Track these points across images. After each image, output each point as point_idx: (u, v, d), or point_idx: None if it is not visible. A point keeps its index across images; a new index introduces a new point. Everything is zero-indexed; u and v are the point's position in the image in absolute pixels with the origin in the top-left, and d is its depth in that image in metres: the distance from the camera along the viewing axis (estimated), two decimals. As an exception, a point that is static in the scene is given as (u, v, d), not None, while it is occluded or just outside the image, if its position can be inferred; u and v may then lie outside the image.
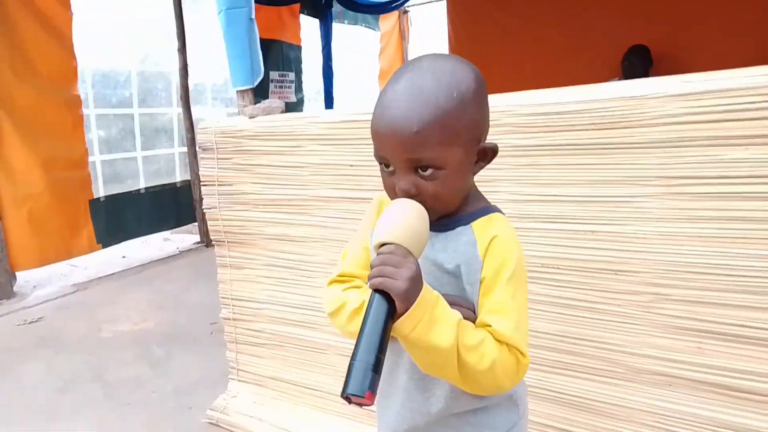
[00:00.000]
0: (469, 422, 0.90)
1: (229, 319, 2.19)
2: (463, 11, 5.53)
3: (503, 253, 0.82)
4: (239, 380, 2.24)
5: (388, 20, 7.38)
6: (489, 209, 0.89)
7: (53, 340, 3.12)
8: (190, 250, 4.99)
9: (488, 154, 0.86)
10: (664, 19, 4.42)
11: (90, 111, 5.00)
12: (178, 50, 4.77)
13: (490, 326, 0.79)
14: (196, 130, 2.08)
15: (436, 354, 0.75)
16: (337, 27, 6.62)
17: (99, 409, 2.36)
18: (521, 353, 0.79)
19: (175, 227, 5.48)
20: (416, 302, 0.72)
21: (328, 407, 2.00)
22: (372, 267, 0.74)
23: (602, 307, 1.42)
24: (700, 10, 4.34)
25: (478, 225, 0.86)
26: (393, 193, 0.83)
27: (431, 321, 0.74)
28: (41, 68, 4.00)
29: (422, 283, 0.74)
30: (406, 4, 6.74)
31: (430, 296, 0.75)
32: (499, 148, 1.36)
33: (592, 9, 4.75)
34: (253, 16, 2.05)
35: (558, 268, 1.46)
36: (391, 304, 0.71)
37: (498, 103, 1.44)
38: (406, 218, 0.76)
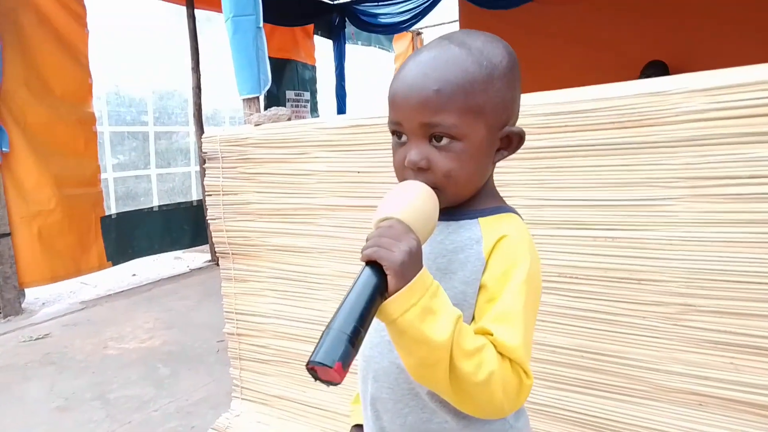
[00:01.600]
0: None
1: (233, 334, 2.12)
2: (475, 29, 5.50)
3: (513, 254, 0.72)
4: (243, 398, 2.15)
5: (402, 41, 7.41)
6: (503, 208, 0.80)
7: (58, 357, 3.07)
8: (200, 268, 4.95)
9: (513, 141, 0.77)
10: (681, 34, 4.36)
11: (104, 128, 5.04)
12: (192, 69, 4.81)
13: (492, 335, 0.67)
14: (201, 139, 2.04)
15: (427, 349, 0.63)
16: (351, 48, 6.66)
17: (99, 428, 2.28)
18: (525, 372, 0.68)
19: (190, 247, 5.44)
20: (412, 282, 0.62)
21: (335, 428, 1.90)
22: (367, 240, 0.65)
23: (624, 319, 1.32)
24: (716, 24, 4.28)
25: (487, 222, 0.76)
26: (401, 169, 0.75)
27: (427, 310, 0.63)
28: (55, 86, 4.04)
29: (420, 265, 0.64)
30: (419, 26, 6.75)
31: (429, 282, 0.64)
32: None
33: (608, 25, 4.71)
34: (261, 25, 2.02)
35: (576, 278, 1.36)
36: (383, 280, 0.62)
37: (511, 102, 1.37)
38: (412, 197, 0.68)
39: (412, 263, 0.62)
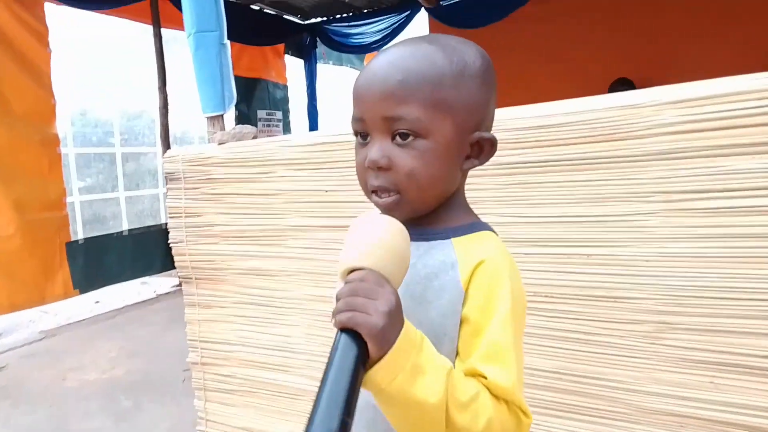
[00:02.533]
0: None
1: (197, 363, 2.01)
2: (447, 49, 5.55)
3: (495, 282, 0.66)
4: (208, 431, 2.04)
5: (374, 61, 7.42)
6: (477, 225, 0.74)
7: (14, 391, 2.90)
8: (168, 293, 4.80)
9: (484, 148, 0.72)
10: (647, 51, 4.45)
11: (69, 150, 4.88)
12: (159, 89, 4.71)
13: (485, 378, 0.62)
14: (163, 159, 1.95)
15: (421, 412, 0.57)
16: (322, 67, 6.65)
17: (54, 467, 2.14)
18: (523, 412, 0.63)
19: (162, 271, 5.25)
20: (396, 345, 0.55)
21: (305, 460, 1.80)
22: (337, 299, 0.57)
23: (602, 339, 1.27)
24: (682, 42, 4.39)
25: (461, 243, 0.70)
26: (362, 171, 0.70)
27: (416, 370, 0.56)
28: (16, 106, 3.89)
29: (403, 320, 0.58)
30: (390, 46, 6.78)
31: (413, 338, 0.58)
32: (485, 167, 1.24)
33: (575, 43, 4.78)
34: (225, 41, 1.96)
35: (551, 297, 1.32)
36: (362, 348, 0.55)
37: (480, 117, 1.34)
38: (381, 236, 0.60)
39: (394, 324, 0.56)
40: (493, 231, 0.75)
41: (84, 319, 4.20)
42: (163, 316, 4.10)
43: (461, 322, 0.66)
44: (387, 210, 0.69)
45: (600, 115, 1.20)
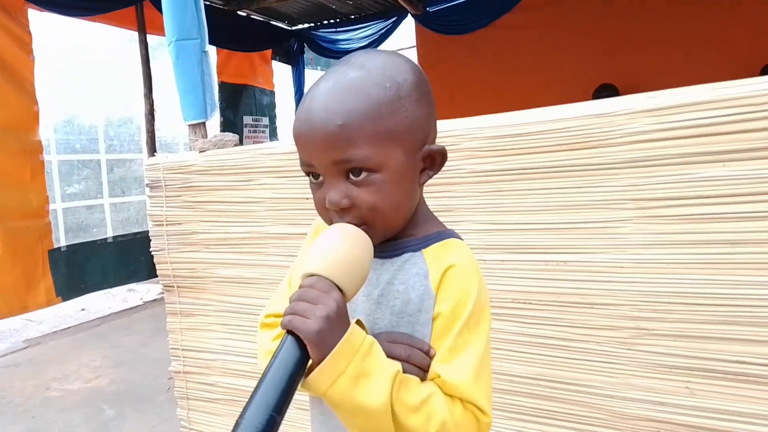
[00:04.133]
0: None
1: (179, 372, 2.00)
2: (432, 55, 5.58)
3: (461, 286, 0.68)
4: (191, 441, 2.02)
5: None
6: (444, 234, 0.75)
7: (-6, 402, 2.86)
8: (154, 300, 4.76)
9: (436, 159, 0.72)
10: (630, 57, 4.50)
11: (52, 157, 4.85)
12: (144, 95, 4.69)
13: (439, 376, 0.63)
14: (144, 167, 1.95)
15: (365, 416, 0.58)
16: (310, 73, 6.65)
17: (34, 479, 2.12)
18: (481, 410, 0.63)
19: (148, 279, 5.21)
20: (335, 349, 0.57)
21: (288, 469, 1.79)
22: (290, 302, 0.59)
23: (579, 345, 1.28)
24: (664, 48, 4.44)
25: (431, 252, 0.72)
26: (324, 210, 0.70)
27: (358, 374, 0.58)
28: (-3, 113, 3.85)
29: (346, 325, 0.59)
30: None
31: (358, 343, 0.59)
32: (461, 175, 1.25)
33: (560, 49, 4.83)
34: (207, 49, 1.96)
35: (529, 303, 1.33)
36: (304, 351, 0.57)
37: (456, 126, 1.35)
38: (337, 246, 0.62)
39: (332, 328, 0.57)
40: (459, 237, 0.76)
41: (69, 327, 4.16)
42: (149, 324, 4.07)
43: (432, 321, 0.68)
44: None
45: (574, 124, 1.22)
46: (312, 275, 0.60)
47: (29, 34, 4.08)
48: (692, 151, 1.12)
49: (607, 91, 4.25)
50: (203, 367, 1.94)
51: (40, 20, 4.20)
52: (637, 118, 1.16)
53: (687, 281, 1.15)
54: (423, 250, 0.72)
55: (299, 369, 0.56)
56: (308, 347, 0.57)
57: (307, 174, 0.70)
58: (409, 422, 0.59)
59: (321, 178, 0.68)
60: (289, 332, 0.57)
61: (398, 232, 0.73)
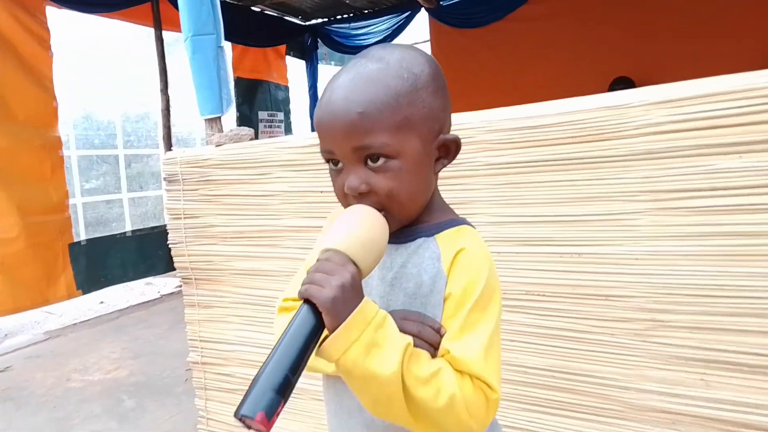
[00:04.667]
0: None
1: (197, 363, 2.03)
2: (446, 48, 5.56)
3: (472, 268, 0.70)
4: (209, 430, 2.06)
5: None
6: (456, 221, 0.78)
7: (17, 392, 2.93)
8: (171, 294, 4.83)
9: (451, 148, 0.75)
10: (647, 50, 4.45)
11: (72, 153, 4.92)
12: (161, 91, 4.73)
13: (449, 352, 0.65)
14: (162, 161, 1.98)
15: (377, 385, 0.60)
16: (323, 67, 6.67)
17: (57, 466, 2.17)
18: (489, 386, 0.65)
19: (166, 272, 5.28)
20: (350, 318, 0.59)
21: (304, 458, 1.82)
22: (307, 274, 0.62)
23: (594, 337, 1.28)
24: (682, 40, 4.38)
25: (444, 237, 0.74)
26: (343, 196, 0.72)
27: (371, 344, 0.60)
28: (18, 110, 3.92)
29: (359, 297, 0.61)
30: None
31: (371, 315, 0.61)
32: (476, 167, 1.26)
33: (575, 42, 4.79)
34: (222, 44, 1.98)
35: (543, 295, 1.33)
36: (320, 319, 0.59)
37: (472, 119, 1.35)
38: (354, 224, 0.65)
39: (347, 298, 0.60)
40: (471, 225, 0.78)
41: (89, 320, 4.23)
42: (166, 317, 4.13)
43: (444, 302, 0.70)
44: None
45: (589, 116, 1.22)
46: (329, 250, 0.63)
47: (47, 30, 4.15)
48: (707, 143, 1.11)
49: (622, 84, 4.20)
50: (221, 358, 1.97)
51: (58, 17, 4.26)
52: (652, 109, 1.15)
53: (703, 273, 1.15)
54: (436, 236, 0.75)
55: (314, 335, 0.59)
56: (323, 315, 0.59)
57: (327, 161, 0.73)
58: (419, 394, 0.61)
59: (340, 165, 0.71)
60: (306, 301, 0.60)
61: (413, 220, 0.75)
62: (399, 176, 0.68)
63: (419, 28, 5.95)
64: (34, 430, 2.49)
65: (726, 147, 1.10)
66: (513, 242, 1.35)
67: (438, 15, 5.47)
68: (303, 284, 0.61)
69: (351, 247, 0.63)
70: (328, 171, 1.66)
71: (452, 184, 1.37)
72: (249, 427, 0.55)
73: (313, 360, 0.62)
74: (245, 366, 1.91)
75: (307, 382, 1.76)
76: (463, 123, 1.35)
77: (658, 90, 1.16)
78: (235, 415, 0.54)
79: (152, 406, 2.64)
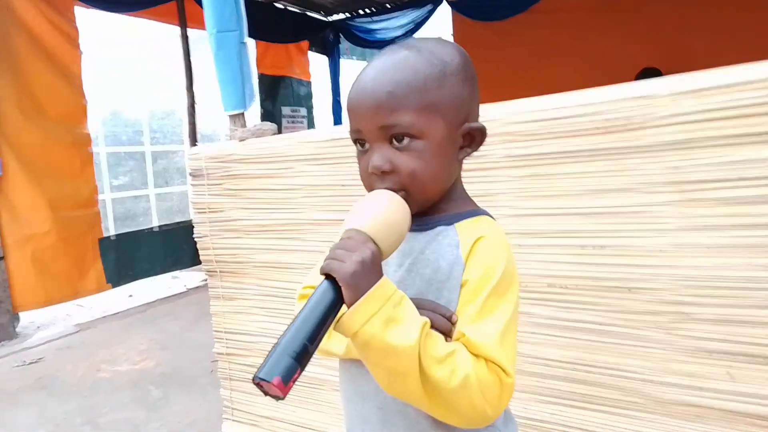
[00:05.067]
0: None
1: (222, 354, 2.07)
2: (469, 42, 5.51)
3: (490, 255, 0.71)
4: (234, 420, 2.10)
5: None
6: (476, 212, 0.79)
7: (50, 381, 3.02)
8: (197, 287, 4.91)
9: (476, 137, 0.76)
10: (674, 41, 4.35)
11: (101, 149, 5.04)
12: (186, 89, 4.81)
13: (464, 336, 0.66)
14: (187, 156, 2.01)
15: (394, 358, 0.61)
16: (346, 62, 6.68)
17: (88, 453, 2.23)
18: (504, 370, 0.65)
19: (191, 266, 5.37)
20: (369, 292, 0.60)
21: (326, 449, 1.84)
22: (329, 252, 0.64)
23: (617, 329, 1.27)
24: (710, 31, 4.27)
25: (463, 225, 0.75)
26: (367, 176, 0.74)
27: (389, 319, 0.61)
28: (49, 108, 4.03)
29: (379, 274, 0.63)
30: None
31: (390, 292, 0.63)
32: (498, 159, 1.26)
33: (600, 33, 4.71)
34: (245, 40, 2.00)
35: (566, 288, 1.32)
36: (339, 293, 0.61)
37: (494, 111, 1.35)
38: (376, 206, 0.67)
39: (366, 273, 0.61)
40: (491, 215, 0.79)
41: (117, 313, 4.33)
42: (192, 310, 4.20)
43: (461, 288, 0.70)
44: None
45: (614, 106, 1.20)
46: (351, 230, 0.65)
47: (76, 29, 4.24)
48: (735, 133, 1.09)
49: (649, 75, 4.13)
50: (244, 348, 2.01)
51: (86, 16, 4.36)
52: (679, 99, 1.13)
53: (729, 265, 1.13)
54: (455, 224, 0.75)
55: (332, 308, 0.60)
56: (342, 289, 0.60)
57: (355, 142, 0.75)
58: (434, 373, 0.61)
59: (367, 146, 0.73)
60: (327, 277, 0.62)
61: (433, 208, 0.76)
62: (422, 157, 0.70)
63: (441, 22, 5.92)
64: (66, 417, 2.57)
65: (755, 137, 1.08)
66: (535, 235, 1.35)
67: (460, 8, 5.43)
68: (324, 260, 0.63)
69: (372, 227, 0.64)
70: (348, 164, 1.67)
71: (474, 177, 1.36)
72: (266, 392, 0.57)
73: (325, 342, 0.63)
74: (269, 357, 1.94)
75: (326, 372, 1.78)
76: (483, 114, 1.34)
77: (685, 79, 1.14)
78: (253, 379, 0.56)
79: (178, 397, 2.70)
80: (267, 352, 1.84)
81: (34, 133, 3.94)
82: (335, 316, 0.61)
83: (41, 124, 3.98)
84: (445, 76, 0.71)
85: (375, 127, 0.70)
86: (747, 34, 4.09)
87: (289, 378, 0.55)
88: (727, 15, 4.20)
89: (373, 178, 0.72)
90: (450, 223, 0.75)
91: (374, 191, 0.71)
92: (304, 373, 1.77)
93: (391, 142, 0.70)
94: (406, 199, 0.70)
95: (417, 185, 0.71)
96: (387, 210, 0.67)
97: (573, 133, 1.26)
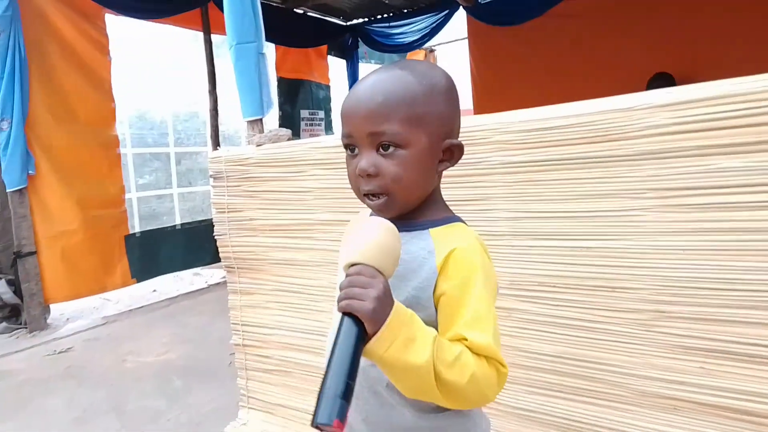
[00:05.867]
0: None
1: (239, 345, 2.20)
2: (484, 46, 5.61)
3: (466, 265, 0.79)
4: (249, 408, 2.23)
5: (416, 58, 7.54)
6: (450, 219, 0.88)
7: (78, 371, 3.19)
8: (218, 284, 5.07)
9: (455, 153, 0.85)
10: (686, 46, 4.37)
11: (128, 151, 5.24)
12: (209, 92, 4.98)
13: (466, 340, 0.75)
14: (208, 160, 2.15)
15: (414, 373, 0.71)
16: (364, 66, 6.81)
17: (113, 437, 2.39)
18: (501, 364, 0.76)
19: (212, 263, 5.53)
20: (387, 322, 0.69)
21: (335, 436, 1.96)
22: (340, 289, 0.71)
23: (602, 326, 1.37)
24: (722, 36, 4.29)
25: (437, 232, 0.84)
26: (354, 178, 0.83)
27: (407, 340, 0.70)
28: (80, 111, 4.23)
29: (392, 303, 0.71)
30: (431, 43, 6.87)
31: (403, 315, 0.71)
32: (494, 166, 1.36)
33: (614, 38, 4.75)
34: (264, 51, 2.13)
35: (555, 287, 1.42)
36: (361, 327, 0.68)
37: (487, 120, 1.45)
38: (375, 236, 0.73)
39: (383, 306, 0.69)
40: (464, 222, 0.88)
41: (142, 307, 4.52)
42: (213, 306, 4.36)
43: (438, 297, 0.80)
44: (378, 210, 0.83)
45: (597, 118, 1.29)
46: (356, 264, 0.72)
47: (106, 37, 4.44)
48: (709, 143, 1.18)
49: (662, 80, 4.17)
50: (260, 341, 2.13)
51: (114, 22, 4.55)
52: (657, 112, 1.22)
53: (704, 267, 1.22)
54: (430, 230, 0.84)
55: (360, 342, 0.68)
56: (365, 323, 0.68)
57: (346, 147, 0.84)
58: (448, 377, 0.71)
59: (356, 151, 0.82)
60: (345, 313, 0.69)
61: (411, 213, 0.85)
62: (405, 164, 0.79)
63: (457, 27, 6.01)
64: (94, 404, 2.73)
65: (727, 147, 1.16)
66: (527, 236, 1.44)
67: (476, 13, 5.51)
68: (340, 300, 0.69)
69: (376, 258, 0.71)
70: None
71: (470, 182, 1.46)
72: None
73: None
74: (282, 348, 2.06)
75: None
76: (480, 124, 1.45)
77: (662, 94, 1.23)
78: (313, 424, 0.63)
79: (199, 387, 2.85)
80: (281, 344, 1.96)
81: (65, 136, 4.14)
82: (363, 346, 0.69)
83: (72, 127, 4.18)
84: (432, 95, 0.80)
85: (365, 134, 0.79)
86: (760, 40, 4.10)
87: (343, 416, 0.63)
88: (740, 21, 4.22)
89: (359, 180, 0.81)
90: (425, 228, 0.84)
91: (367, 220, 0.78)
92: (316, 363, 1.92)
93: (378, 150, 0.79)
94: (387, 203, 0.79)
95: (398, 190, 0.80)
96: (384, 239, 0.73)
97: (562, 143, 1.35)
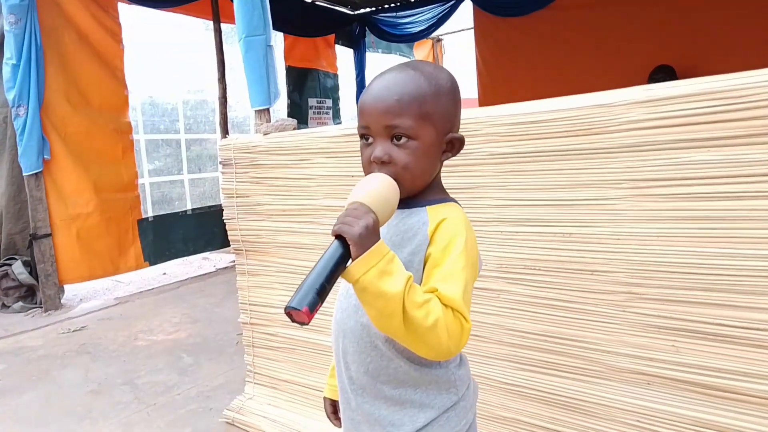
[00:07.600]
0: (398, 398, 0.95)
1: (246, 323, 2.33)
2: (489, 37, 5.66)
3: (451, 231, 0.90)
4: (255, 383, 2.36)
5: (423, 48, 7.59)
6: (446, 199, 0.99)
7: (93, 347, 3.35)
8: (226, 268, 5.22)
9: (455, 144, 0.97)
10: (688, 38, 4.41)
11: (140, 136, 5.37)
12: (218, 80, 5.08)
13: (437, 290, 0.85)
14: (218, 147, 2.26)
15: (384, 301, 0.80)
16: (371, 55, 6.87)
17: (126, 409, 2.53)
18: (465, 318, 0.85)
19: (221, 248, 5.68)
20: (371, 249, 0.78)
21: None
22: (337, 219, 0.83)
23: (581, 306, 1.47)
24: (723, 28, 4.32)
25: (433, 209, 0.96)
26: (368, 164, 0.94)
27: (383, 271, 0.80)
28: (94, 98, 4.36)
29: (377, 237, 0.80)
30: (437, 33, 6.93)
31: (385, 251, 0.81)
32: (483, 157, 1.47)
33: (617, 30, 4.79)
34: (272, 43, 2.23)
35: (539, 270, 1.52)
36: (347, 250, 0.78)
37: (478, 114, 1.55)
38: (375, 184, 0.85)
39: (369, 235, 0.80)
40: (458, 203, 0.99)
41: (153, 289, 4.67)
42: (221, 289, 4.51)
43: (426, 259, 0.91)
44: None
45: (579, 113, 1.39)
46: (355, 202, 0.83)
47: (119, 25, 4.56)
48: (681, 138, 1.27)
49: (663, 72, 4.22)
50: (266, 319, 2.26)
51: (128, 12, 4.66)
52: (634, 108, 1.32)
53: (674, 252, 1.31)
54: (427, 207, 0.96)
55: (342, 260, 0.78)
56: (351, 246, 0.78)
57: (362, 137, 0.95)
58: (413, 313, 0.80)
59: (371, 140, 0.93)
60: (337, 237, 0.80)
61: (414, 196, 0.96)
62: (414, 154, 0.90)
63: (464, 17, 6.06)
64: (108, 377, 2.88)
65: (697, 142, 1.25)
66: (514, 222, 1.55)
67: (482, 3, 5.56)
68: (335, 225, 0.80)
69: (372, 201, 0.83)
70: (357, 158, 1.90)
71: (461, 172, 1.57)
72: (293, 320, 0.75)
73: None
74: (286, 327, 2.19)
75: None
76: (471, 117, 1.55)
77: (639, 91, 1.32)
78: (285, 309, 0.72)
79: (207, 363, 2.99)
80: (286, 323, 2.11)
81: (80, 122, 4.28)
82: (344, 266, 0.80)
83: (86, 114, 4.31)
84: (439, 95, 0.92)
85: (381, 126, 0.90)
86: (762, 34, 4.14)
87: (313, 308, 0.72)
88: (742, 14, 4.25)
89: (373, 166, 0.92)
90: (423, 206, 0.96)
91: (372, 173, 0.90)
92: (319, 341, 2.05)
93: (391, 140, 0.91)
94: (397, 185, 0.89)
95: (407, 176, 0.91)
96: (383, 188, 0.85)
97: (547, 136, 1.45)
